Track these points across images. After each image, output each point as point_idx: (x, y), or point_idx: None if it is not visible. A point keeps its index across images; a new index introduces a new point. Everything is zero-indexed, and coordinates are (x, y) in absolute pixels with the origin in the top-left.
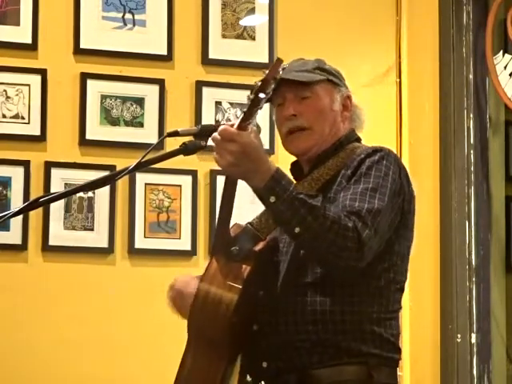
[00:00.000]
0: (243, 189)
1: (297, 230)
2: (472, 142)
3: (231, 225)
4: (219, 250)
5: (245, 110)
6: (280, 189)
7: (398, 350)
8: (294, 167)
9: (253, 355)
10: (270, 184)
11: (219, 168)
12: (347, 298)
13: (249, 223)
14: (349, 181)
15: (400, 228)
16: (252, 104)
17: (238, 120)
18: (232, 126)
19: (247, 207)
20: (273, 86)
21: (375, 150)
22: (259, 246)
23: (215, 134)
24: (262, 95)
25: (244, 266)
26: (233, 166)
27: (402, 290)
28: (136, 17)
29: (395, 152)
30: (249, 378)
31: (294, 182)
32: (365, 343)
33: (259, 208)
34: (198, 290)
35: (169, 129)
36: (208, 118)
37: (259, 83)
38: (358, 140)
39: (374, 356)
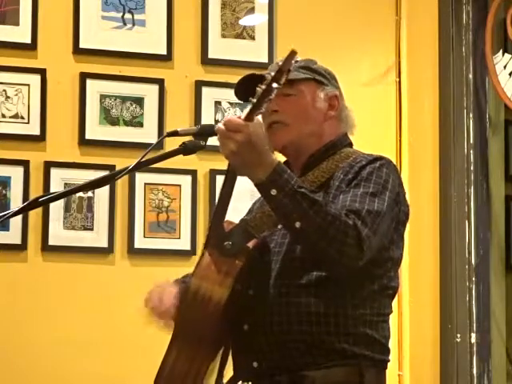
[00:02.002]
0: (242, 185)
1: (297, 224)
2: (472, 141)
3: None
4: (212, 244)
5: (254, 100)
6: (282, 182)
7: (388, 352)
8: None
9: (243, 355)
10: (272, 177)
11: (219, 168)
12: (341, 301)
13: (243, 219)
14: (348, 185)
15: (394, 236)
16: (263, 94)
17: (247, 110)
18: (239, 117)
19: (247, 205)
20: (286, 77)
21: (376, 158)
22: (251, 243)
23: (219, 125)
24: (275, 85)
25: (236, 262)
26: (236, 155)
27: (393, 295)
28: (135, 16)
29: (394, 149)
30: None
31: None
32: (358, 345)
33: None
34: (189, 286)
35: (168, 128)
36: (207, 118)
37: (272, 73)
38: (351, 145)
39: (366, 358)
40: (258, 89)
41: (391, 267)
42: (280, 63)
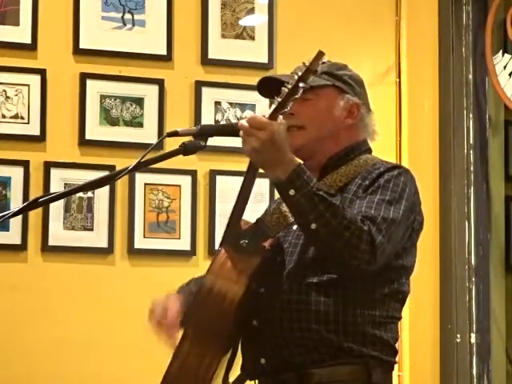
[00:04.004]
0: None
1: (313, 225)
2: (471, 141)
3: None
4: (229, 241)
5: (279, 99)
6: (301, 183)
7: (396, 353)
8: None
9: (251, 351)
10: (291, 177)
11: (219, 168)
12: (351, 301)
13: (260, 219)
14: (365, 191)
15: (407, 243)
16: (289, 93)
17: (272, 109)
18: (263, 115)
19: (250, 207)
20: (312, 77)
21: (395, 166)
22: (267, 243)
23: (242, 121)
24: (301, 84)
25: (251, 261)
26: (257, 152)
27: (403, 301)
28: (135, 17)
29: (394, 149)
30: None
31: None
32: (365, 345)
33: (262, 207)
34: (204, 282)
35: (168, 129)
36: (207, 118)
37: (299, 73)
38: (370, 151)
39: (373, 358)
40: (283, 88)
41: (403, 274)
42: (307, 63)
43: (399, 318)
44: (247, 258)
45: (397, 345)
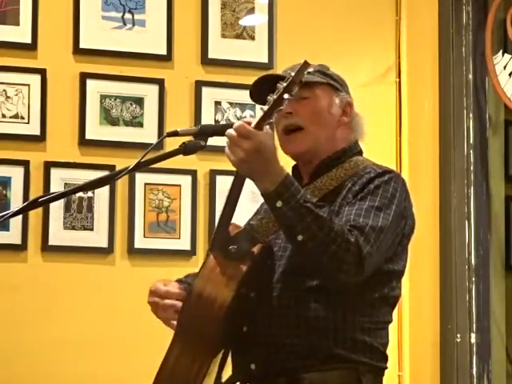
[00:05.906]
0: (244, 187)
1: (300, 237)
2: (471, 141)
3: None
4: (218, 247)
5: (265, 109)
6: (289, 195)
7: (386, 359)
8: (293, 173)
9: (241, 357)
10: (279, 188)
11: (219, 168)
12: (341, 307)
13: (249, 224)
14: (355, 196)
15: (398, 248)
16: (274, 104)
17: (257, 119)
18: (249, 124)
19: (247, 206)
20: (297, 88)
21: (385, 171)
22: (256, 248)
23: (230, 130)
24: (286, 96)
25: (240, 266)
26: (244, 163)
27: (394, 305)
28: (136, 17)
29: (394, 150)
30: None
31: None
32: (355, 352)
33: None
34: (193, 287)
35: (168, 129)
36: (207, 118)
37: (284, 84)
38: (361, 153)
39: (363, 364)
40: (269, 98)
41: (393, 278)
42: (292, 73)
43: (389, 322)
44: (236, 264)
45: (388, 349)
